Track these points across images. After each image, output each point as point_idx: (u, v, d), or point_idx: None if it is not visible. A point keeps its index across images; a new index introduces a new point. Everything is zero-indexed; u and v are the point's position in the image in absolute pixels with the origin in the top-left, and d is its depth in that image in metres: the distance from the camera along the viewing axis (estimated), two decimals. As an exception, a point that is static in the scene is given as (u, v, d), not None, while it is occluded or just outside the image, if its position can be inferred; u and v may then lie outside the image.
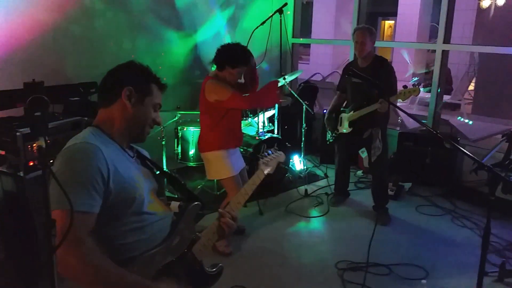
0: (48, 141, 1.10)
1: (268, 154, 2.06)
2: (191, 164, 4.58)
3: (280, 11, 4.86)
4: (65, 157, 1.39)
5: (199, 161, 4.40)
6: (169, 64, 4.90)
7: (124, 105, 1.53)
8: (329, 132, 4.10)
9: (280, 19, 4.91)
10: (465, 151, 1.86)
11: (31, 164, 2.68)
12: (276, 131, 4.93)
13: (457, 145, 1.90)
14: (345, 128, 3.89)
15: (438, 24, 4.74)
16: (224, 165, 3.15)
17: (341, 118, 3.94)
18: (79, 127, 2.89)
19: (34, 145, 2.67)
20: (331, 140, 4.10)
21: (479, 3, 10.20)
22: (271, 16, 4.91)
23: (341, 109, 3.99)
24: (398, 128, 5.18)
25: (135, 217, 1.45)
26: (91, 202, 1.32)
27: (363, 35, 3.65)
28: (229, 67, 3.03)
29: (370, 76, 3.27)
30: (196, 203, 1.64)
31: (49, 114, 1.11)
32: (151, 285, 1.39)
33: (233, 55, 3.02)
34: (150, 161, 1.69)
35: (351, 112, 3.80)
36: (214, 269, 1.69)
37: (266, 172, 1.98)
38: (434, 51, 4.80)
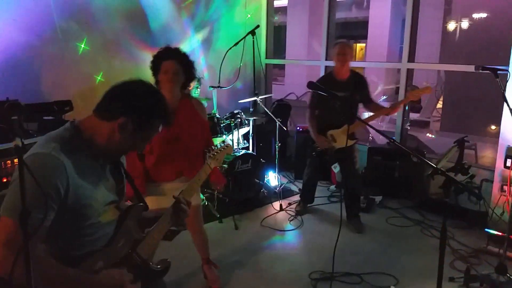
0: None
1: (216, 147, 2.13)
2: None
3: (252, 32, 5.04)
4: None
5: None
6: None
7: (114, 130, 1.46)
8: (317, 150, 4.07)
9: (253, 41, 5.08)
10: (422, 157, 2.00)
11: (5, 180, 2.70)
12: (251, 148, 5.03)
13: (416, 153, 2.04)
14: (343, 143, 3.87)
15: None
16: None
17: (332, 135, 3.93)
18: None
19: (8, 161, 2.70)
20: (327, 157, 4.07)
21: (444, 26, 10.76)
22: (244, 37, 5.08)
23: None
24: (367, 144, 5.35)
25: (85, 226, 1.47)
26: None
27: (345, 47, 3.88)
28: None
29: (352, 87, 3.72)
30: (139, 204, 1.67)
31: (24, 130, 1.16)
32: (92, 277, 1.42)
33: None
34: (122, 167, 1.69)
35: (345, 126, 3.83)
36: (160, 266, 1.73)
37: (212, 166, 2.08)
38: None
